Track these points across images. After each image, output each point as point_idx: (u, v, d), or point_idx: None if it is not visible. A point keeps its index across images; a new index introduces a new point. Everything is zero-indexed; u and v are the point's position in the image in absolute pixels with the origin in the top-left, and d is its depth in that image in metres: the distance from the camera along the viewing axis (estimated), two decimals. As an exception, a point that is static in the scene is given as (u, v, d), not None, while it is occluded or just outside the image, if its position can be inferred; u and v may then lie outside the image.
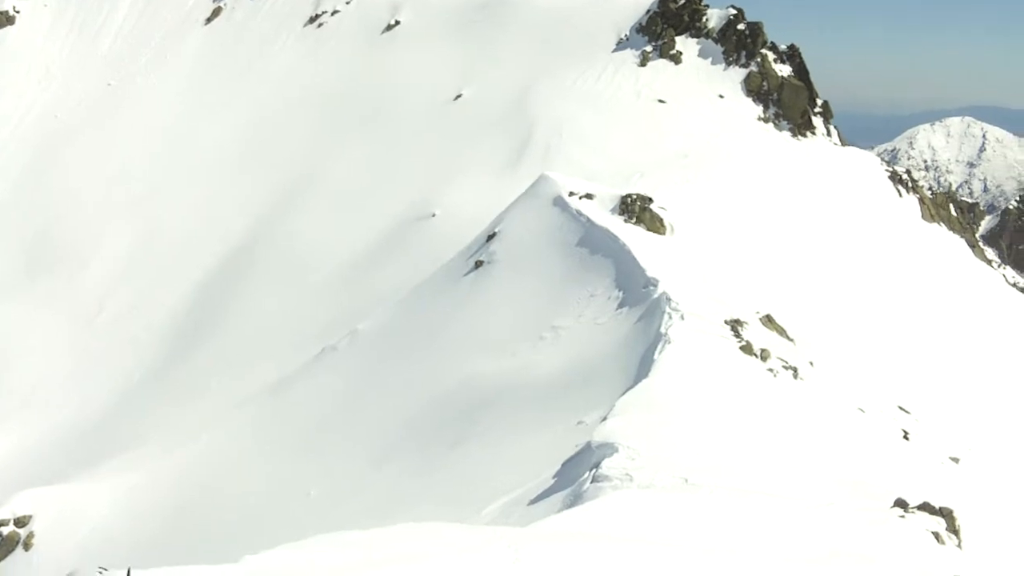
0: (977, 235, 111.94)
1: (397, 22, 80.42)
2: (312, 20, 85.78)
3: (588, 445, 21.08)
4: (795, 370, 29.37)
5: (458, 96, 69.33)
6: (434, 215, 56.38)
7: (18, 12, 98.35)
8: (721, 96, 62.57)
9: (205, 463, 38.65)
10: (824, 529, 15.93)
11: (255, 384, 46.12)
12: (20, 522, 40.75)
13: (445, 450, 28.63)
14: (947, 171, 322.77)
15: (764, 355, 29.02)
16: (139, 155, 79.56)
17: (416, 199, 58.76)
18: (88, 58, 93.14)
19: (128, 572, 11.55)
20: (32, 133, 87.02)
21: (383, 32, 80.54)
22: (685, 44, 66.68)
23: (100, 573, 11.58)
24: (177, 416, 49.15)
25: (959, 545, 17.30)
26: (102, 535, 37.72)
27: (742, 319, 31.31)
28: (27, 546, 40.09)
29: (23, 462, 55.04)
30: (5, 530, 40.72)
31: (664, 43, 66.45)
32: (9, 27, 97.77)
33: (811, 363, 32.08)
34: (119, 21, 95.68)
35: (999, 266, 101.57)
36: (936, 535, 16.76)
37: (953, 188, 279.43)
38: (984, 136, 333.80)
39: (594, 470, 19.28)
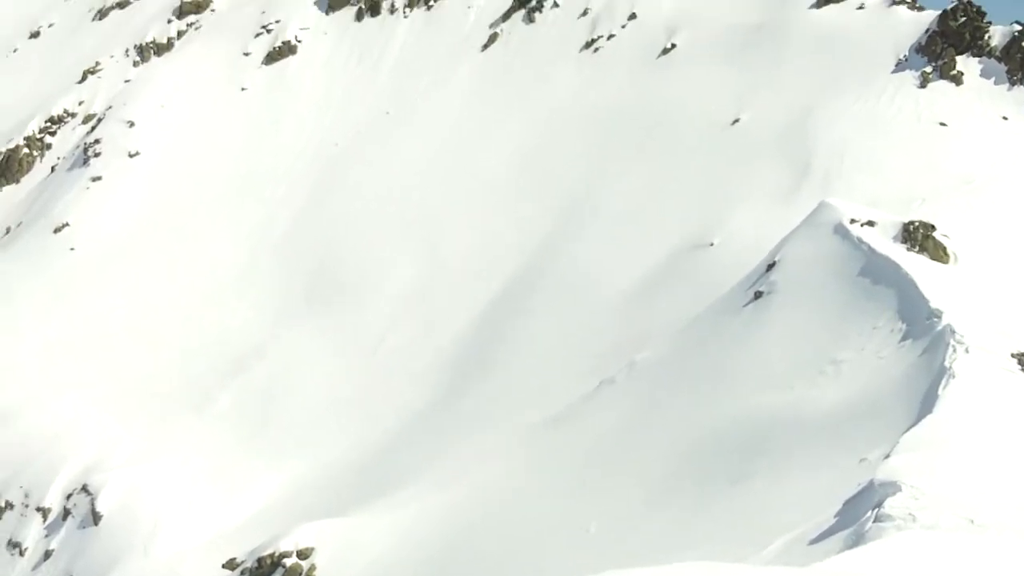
0: None
1: (673, 45, 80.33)
2: (588, 45, 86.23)
3: (871, 483, 21.00)
4: (1088, 405, 28.72)
5: (735, 121, 69.03)
6: (712, 244, 56.35)
7: (300, 42, 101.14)
8: (1005, 118, 60.92)
9: (483, 497, 39.15)
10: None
11: (532, 418, 46.49)
12: (303, 554, 41.86)
13: (725, 486, 28.73)
14: None
15: (1054, 389, 28.47)
16: (417, 183, 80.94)
17: (693, 227, 58.68)
18: (366, 86, 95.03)
19: None
20: (312, 163, 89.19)
21: (659, 56, 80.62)
22: (966, 64, 65.12)
23: None
24: (455, 450, 49.71)
25: None
26: (381, 568, 38.55)
27: (1031, 352, 30.70)
28: (308, 578, 41.42)
29: (304, 494, 56.28)
30: (288, 561, 41.90)
31: (944, 63, 65.07)
32: (291, 57, 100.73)
33: (1104, 397, 31.29)
34: (396, 49, 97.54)
35: None
36: None
37: None
38: None
39: (876, 509, 19.26)
